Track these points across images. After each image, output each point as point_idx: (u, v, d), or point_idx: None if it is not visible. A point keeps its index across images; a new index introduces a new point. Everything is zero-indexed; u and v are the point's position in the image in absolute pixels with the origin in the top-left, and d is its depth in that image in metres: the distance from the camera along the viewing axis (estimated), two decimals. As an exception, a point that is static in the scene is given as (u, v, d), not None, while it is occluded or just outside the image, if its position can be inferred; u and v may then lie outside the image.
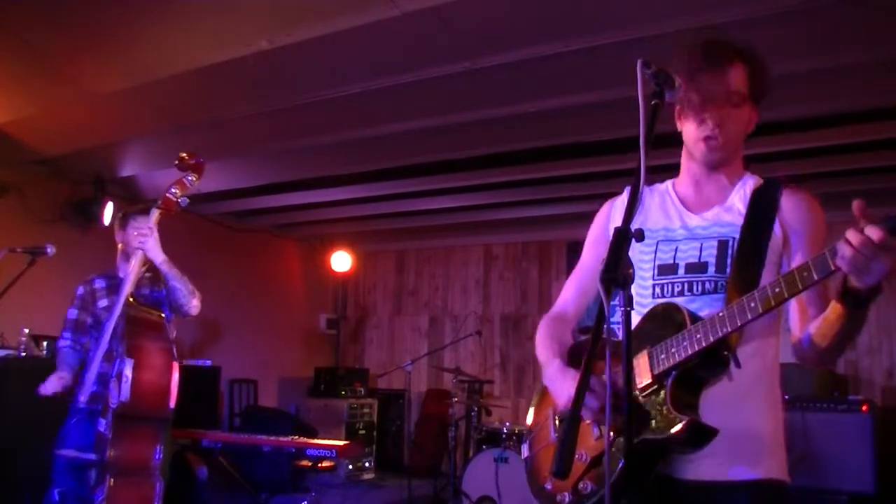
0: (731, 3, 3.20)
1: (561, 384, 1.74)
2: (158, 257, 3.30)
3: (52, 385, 3.25)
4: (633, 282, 1.40)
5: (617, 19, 3.44)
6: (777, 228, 1.68)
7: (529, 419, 1.98)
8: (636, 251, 1.51)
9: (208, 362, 7.05)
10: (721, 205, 1.76)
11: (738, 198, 1.74)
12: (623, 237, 1.41)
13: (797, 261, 1.64)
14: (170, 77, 4.18)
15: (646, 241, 1.57)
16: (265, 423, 6.68)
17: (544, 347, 1.89)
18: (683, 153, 1.82)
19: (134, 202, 3.28)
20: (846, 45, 3.62)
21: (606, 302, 1.36)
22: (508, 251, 8.62)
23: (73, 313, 3.53)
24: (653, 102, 1.57)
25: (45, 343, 5.16)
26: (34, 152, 5.58)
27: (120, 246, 3.57)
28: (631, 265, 1.40)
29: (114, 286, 3.52)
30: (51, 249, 3.70)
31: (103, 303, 3.51)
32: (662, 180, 1.90)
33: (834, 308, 1.50)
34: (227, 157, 5.80)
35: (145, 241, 3.24)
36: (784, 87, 3.97)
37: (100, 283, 3.57)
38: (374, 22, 3.50)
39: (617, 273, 1.37)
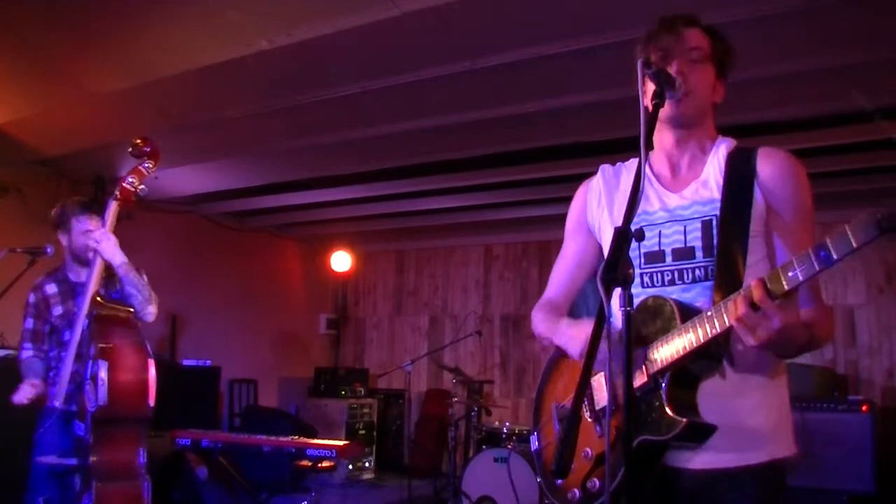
0: (731, 4, 3.20)
1: (576, 331, 1.75)
2: (116, 259, 3.09)
3: (25, 392, 3.13)
4: (633, 282, 1.40)
5: (617, 19, 3.44)
6: (758, 195, 1.64)
7: (535, 397, 1.97)
8: None
9: (208, 362, 7.05)
10: (697, 179, 1.72)
11: (714, 168, 1.71)
12: (623, 237, 1.40)
13: (782, 236, 1.64)
14: (170, 77, 4.18)
15: None
16: (265, 423, 6.68)
17: (545, 321, 1.89)
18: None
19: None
20: (846, 45, 3.62)
21: (606, 302, 1.36)
22: (508, 251, 8.62)
23: (29, 323, 3.37)
24: (653, 102, 1.57)
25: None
26: (34, 152, 5.58)
27: (65, 249, 3.40)
28: (631, 265, 1.39)
29: (67, 291, 3.37)
30: (51, 249, 3.67)
31: (58, 310, 3.34)
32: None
33: None
34: (227, 157, 5.81)
35: (100, 243, 3.03)
36: (784, 87, 4.01)
37: (51, 289, 3.38)
38: (374, 22, 3.50)
39: (617, 273, 1.36)
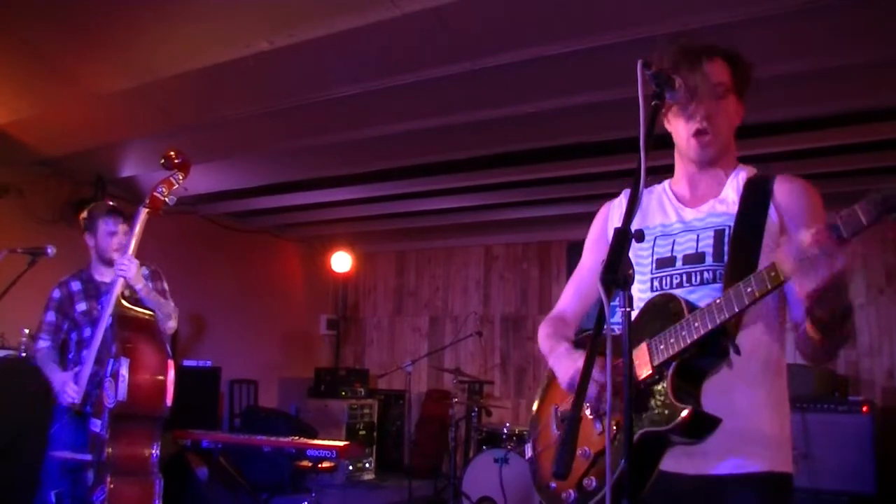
0: (732, 4, 3.20)
1: (567, 361, 1.76)
2: (138, 284, 3.30)
3: (71, 392, 3.21)
4: (633, 282, 1.40)
5: (617, 20, 3.44)
6: (773, 214, 1.67)
7: (534, 407, 1.98)
8: (634, 249, 1.52)
9: (208, 363, 7.05)
10: (715, 197, 1.76)
11: (732, 188, 1.75)
12: (623, 238, 1.41)
13: None
14: (170, 77, 4.18)
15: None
16: (265, 423, 6.68)
17: (548, 339, 1.90)
18: (676, 155, 1.83)
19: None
20: (846, 45, 3.62)
21: (606, 302, 1.36)
22: (509, 252, 8.61)
23: (50, 316, 3.50)
24: (653, 103, 1.57)
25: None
26: (34, 153, 5.57)
27: (91, 249, 3.55)
28: (631, 266, 1.39)
29: (91, 289, 3.50)
30: (51, 250, 3.69)
31: (81, 307, 3.48)
32: (661, 181, 1.91)
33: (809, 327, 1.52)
34: (227, 158, 5.81)
35: (129, 269, 3.22)
36: (784, 87, 4.01)
37: (76, 286, 3.53)
38: (375, 23, 3.50)
39: (617, 274, 1.36)
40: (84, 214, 3.57)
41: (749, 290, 1.45)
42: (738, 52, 1.77)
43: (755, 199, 1.69)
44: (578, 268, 2.01)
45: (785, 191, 1.69)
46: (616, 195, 1.99)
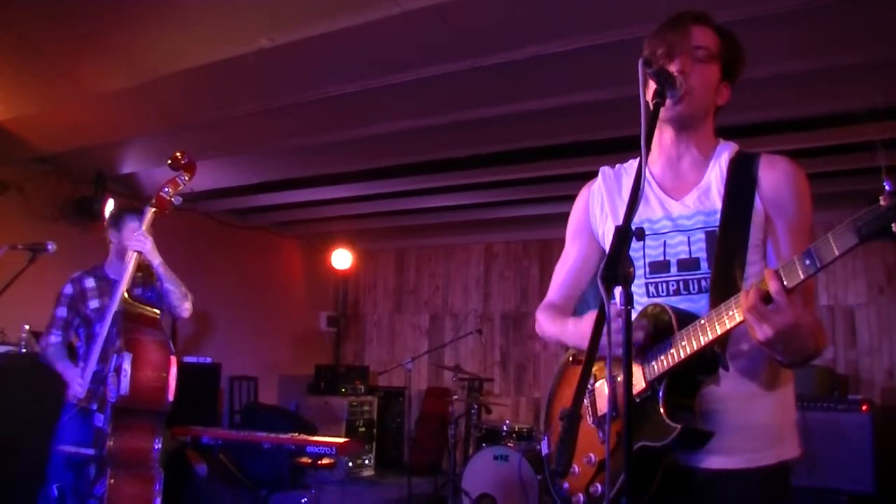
0: (731, 4, 3.20)
1: (585, 327, 1.68)
2: (156, 259, 3.37)
3: (78, 386, 3.27)
4: (633, 280, 1.39)
5: (618, 18, 3.44)
6: (758, 204, 1.63)
7: (545, 404, 1.97)
8: None
9: (209, 359, 7.06)
10: (698, 185, 1.71)
11: (715, 175, 1.70)
12: (624, 236, 1.40)
13: (783, 248, 1.63)
14: (171, 75, 4.18)
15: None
16: (265, 420, 6.68)
17: (553, 322, 1.88)
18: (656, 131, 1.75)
19: (135, 200, 3.29)
20: (846, 45, 3.62)
21: (607, 301, 1.36)
22: (509, 249, 8.62)
23: (62, 311, 3.54)
24: (654, 102, 1.57)
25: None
26: (35, 150, 5.57)
27: (112, 245, 3.61)
28: (632, 263, 1.38)
29: (104, 286, 3.54)
30: (51, 246, 3.70)
31: (94, 304, 3.52)
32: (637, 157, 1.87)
33: None
34: (228, 155, 5.81)
35: (145, 244, 3.30)
36: (784, 87, 4.01)
37: (89, 283, 3.57)
38: (376, 20, 3.50)
39: (617, 271, 1.36)
40: (112, 211, 3.64)
41: (730, 312, 1.43)
42: (729, 31, 1.72)
43: (740, 190, 1.64)
44: (563, 258, 1.99)
45: (770, 180, 1.64)
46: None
